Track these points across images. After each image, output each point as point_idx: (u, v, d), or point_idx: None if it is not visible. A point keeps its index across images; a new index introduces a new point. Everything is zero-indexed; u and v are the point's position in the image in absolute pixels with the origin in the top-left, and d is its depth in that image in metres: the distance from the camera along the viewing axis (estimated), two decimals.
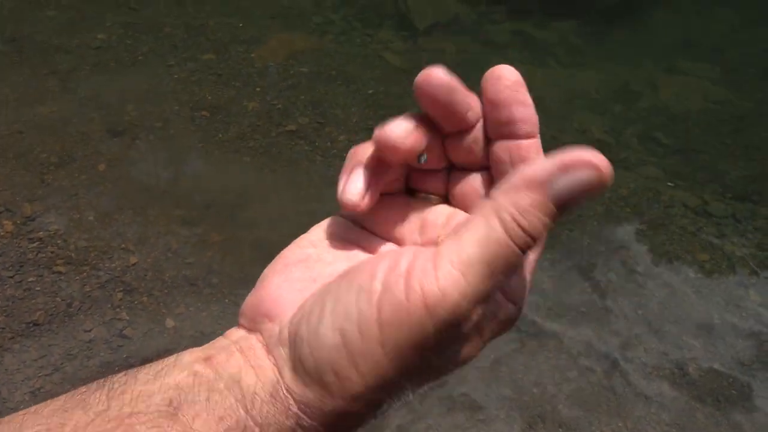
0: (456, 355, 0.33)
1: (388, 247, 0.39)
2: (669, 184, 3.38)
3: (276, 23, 4.67)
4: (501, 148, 0.37)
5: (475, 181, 0.39)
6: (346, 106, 3.84)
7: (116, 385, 0.32)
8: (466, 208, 0.39)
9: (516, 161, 0.36)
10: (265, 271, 0.38)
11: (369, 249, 0.39)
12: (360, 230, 0.40)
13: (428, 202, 0.40)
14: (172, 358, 0.34)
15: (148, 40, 4.26)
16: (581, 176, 0.30)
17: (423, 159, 0.38)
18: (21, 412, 0.32)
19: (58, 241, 2.67)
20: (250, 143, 3.41)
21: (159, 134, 3.36)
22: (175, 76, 3.91)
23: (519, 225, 0.30)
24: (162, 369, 0.33)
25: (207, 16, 4.64)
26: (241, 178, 3.16)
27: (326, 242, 0.39)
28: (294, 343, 0.33)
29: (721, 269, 2.95)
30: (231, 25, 4.52)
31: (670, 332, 2.62)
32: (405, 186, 0.41)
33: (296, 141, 3.49)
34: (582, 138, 3.79)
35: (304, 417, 0.32)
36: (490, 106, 0.37)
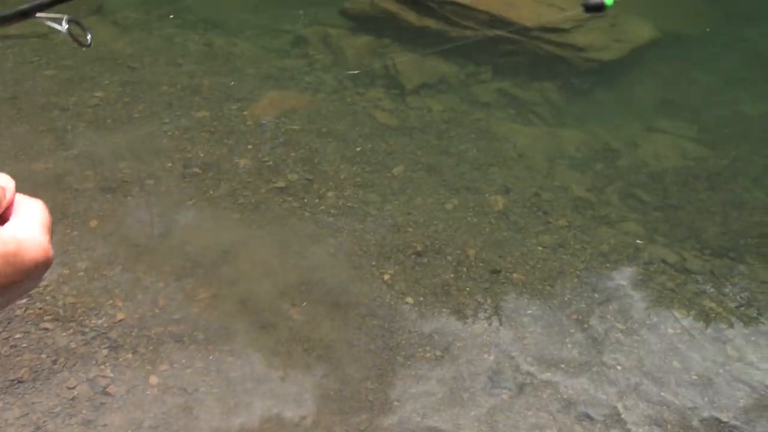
0: None
1: None
2: (638, 241, 3.47)
3: (269, 82, 4.83)
4: None
5: None
6: (335, 162, 3.95)
7: None
8: None
9: None
10: None
11: None
12: None
13: None
14: None
15: (144, 98, 4.39)
16: None
17: None
18: None
19: (47, 297, 2.71)
20: (240, 200, 3.49)
21: (151, 191, 3.44)
22: (169, 134, 4.02)
23: None
24: None
25: (203, 76, 4.80)
26: (230, 234, 3.23)
27: None
28: None
29: (699, 325, 3.00)
30: (225, 84, 4.68)
31: (649, 387, 2.66)
32: None
33: (285, 198, 3.58)
34: (563, 195, 3.90)
35: None
36: None
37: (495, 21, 5.43)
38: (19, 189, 0.59)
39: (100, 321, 2.64)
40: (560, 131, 4.62)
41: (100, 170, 3.57)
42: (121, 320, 2.66)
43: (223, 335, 2.63)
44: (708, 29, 5.90)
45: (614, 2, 0.51)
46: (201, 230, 3.22)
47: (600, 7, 0.52)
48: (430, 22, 5.56)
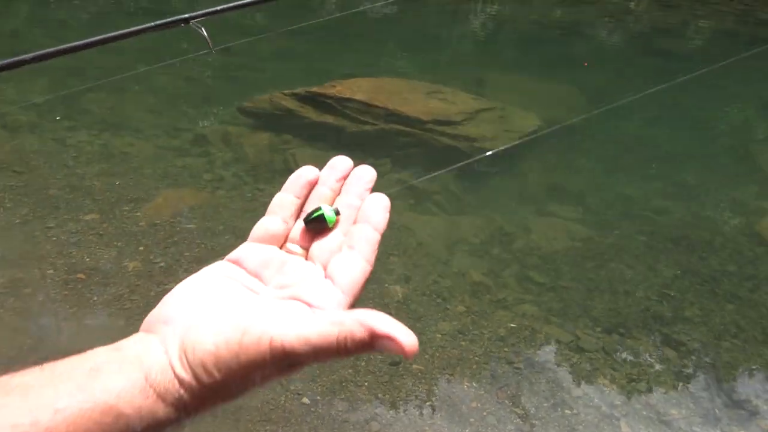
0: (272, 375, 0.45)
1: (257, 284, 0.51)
2: (511, 325, 3.54)
3: (166, 181, 4.76)
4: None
5: (331, 242, 0.53)
6: None
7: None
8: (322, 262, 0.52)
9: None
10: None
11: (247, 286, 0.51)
12: (238, 270, 0.52)
13: (294, 253, 0.54)
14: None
15: (29, 203, 4.20)
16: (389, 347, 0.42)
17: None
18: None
19: None
20: (127, 305, 3.32)
21: (27, 300, 3.22)
22: (54, 238, 3.83)
23: (348, 340, 0.43)
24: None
25: (95, 177, 4.67)
26: (111, 341, 3.04)
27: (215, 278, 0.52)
28: (183, 342, 0.45)
29: (594, 403, 3.05)
30: (118, 185, 4.57)
31: None
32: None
33: None
34: (462, 280, 3.97)
35: (183, 393, 0.43)
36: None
37: (391, 116, 5.69)
38: None
39: None
40: (458, 218, 4.78)
41: None
42: None
43: None
44: (585, 119, 6.43)
45: (334, 221, 0.55)
46: (79, 341, 3.01)
47: (321, 221, 0.56)
48: (330, 118, 5.75)
